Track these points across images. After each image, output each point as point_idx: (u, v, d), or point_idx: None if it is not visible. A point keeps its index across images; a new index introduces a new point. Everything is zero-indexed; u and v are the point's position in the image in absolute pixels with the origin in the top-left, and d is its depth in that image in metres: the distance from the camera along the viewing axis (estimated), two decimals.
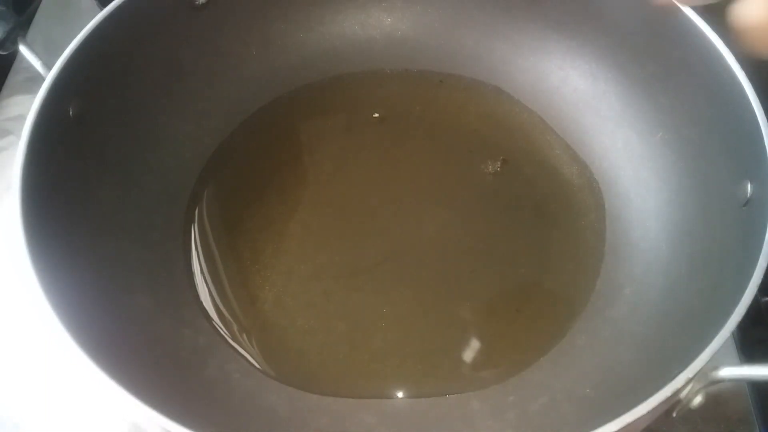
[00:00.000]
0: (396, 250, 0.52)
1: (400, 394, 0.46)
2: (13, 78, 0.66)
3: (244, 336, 0.48)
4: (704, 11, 0.48)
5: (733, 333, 0.37)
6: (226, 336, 0.48)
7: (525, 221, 0.53)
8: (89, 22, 0.47)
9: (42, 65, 0.47)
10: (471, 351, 0.47)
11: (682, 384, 0.35)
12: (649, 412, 0.34)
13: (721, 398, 0.48)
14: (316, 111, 0.59)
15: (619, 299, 0.49)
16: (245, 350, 0.47)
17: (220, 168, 0.55)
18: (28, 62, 0.48)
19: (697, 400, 0.37)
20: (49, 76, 0.45)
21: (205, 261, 0.51)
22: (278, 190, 0.55)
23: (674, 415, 0.38)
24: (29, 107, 0.43)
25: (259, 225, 0.53)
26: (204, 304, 0.49)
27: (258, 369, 0.47)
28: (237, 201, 0.54)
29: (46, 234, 0.41)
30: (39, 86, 0.44)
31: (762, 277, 0.38)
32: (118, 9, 0.49)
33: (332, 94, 0.59)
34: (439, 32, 0.61)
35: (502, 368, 0.47)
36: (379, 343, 0.48)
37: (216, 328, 0.48)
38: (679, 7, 0.46)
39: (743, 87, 0.44)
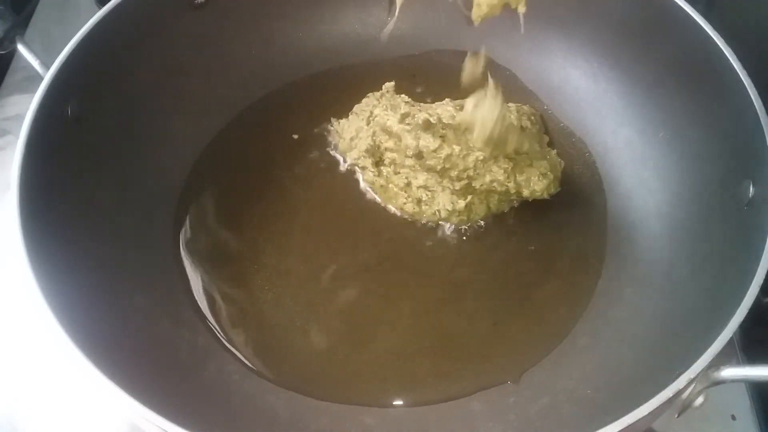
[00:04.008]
0: (396, 250, 0.52)
1: (400, 400, 0.45)
2: (11, 77, 0.65)
3: (244, 337, 0.47)
4: (705, 11, 0.48)
5: (734, 334, 0.36)
6: (224, 338, 0.47)
7: (525, 221, 0.53)
8: (87, 21, 0.47)
9: (40, 64, 0.47)
10: (472, 352, 0.47)
11: (684, 385, 0.35)
12: (651, 413, 0.34)
13: (722, 399, 0.48)
14: (314, 106, 0.58)
15: (620, 300, 0.49)
16: (244, 352, 0.47)
17: (219, 167, 0.55)
18: (26, 61, 0.48)
19: (699, 400, 0.37)
20: (47, 76, 0.45)
21: (204, 261, 0.51)
22: (277, 189, 0.54)
23: (676, 416, 0.38)
24: (27, 107, 0.43)
25: (258, 225, 0.52)
26: (202, 305, 0.49)
27: (257, 371, 0.46)
28: (236, 200, 0.54)
29: (43, 234, 0.41)
30: (37, 86, 0.44)
31: (764, 277, 0.38)
32: (117, 8, 0.48)
33: (332, 89, 0.59)
34: (439, 33, 0.61)
35: (503, 369, 0.46)
36: (378, 343, 0.47)
37: (214, 330, 0.48)
38: None
39: (745, 87, 0.44)
